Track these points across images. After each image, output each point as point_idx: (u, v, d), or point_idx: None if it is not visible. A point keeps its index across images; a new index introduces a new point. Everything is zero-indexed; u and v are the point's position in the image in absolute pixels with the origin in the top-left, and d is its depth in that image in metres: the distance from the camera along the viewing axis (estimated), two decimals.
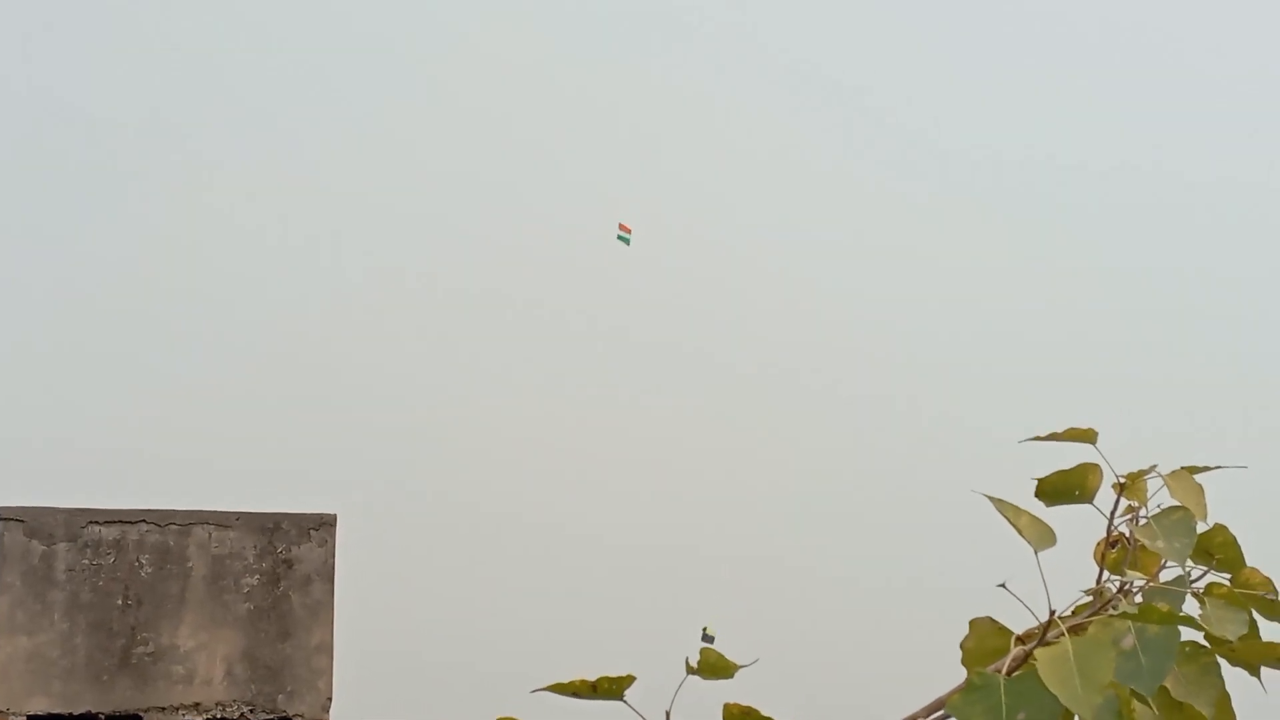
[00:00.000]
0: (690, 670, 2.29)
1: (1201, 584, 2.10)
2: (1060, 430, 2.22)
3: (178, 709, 14.51)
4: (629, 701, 2.29)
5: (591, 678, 2.30)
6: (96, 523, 14.89)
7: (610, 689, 2.27)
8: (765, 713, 2.27)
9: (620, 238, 18.31)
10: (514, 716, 2.16)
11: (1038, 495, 2.24)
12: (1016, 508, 2.08)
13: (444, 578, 35.24)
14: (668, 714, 2.26)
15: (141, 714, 14.46)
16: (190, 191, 38.79)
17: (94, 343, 38.09)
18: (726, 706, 2.27)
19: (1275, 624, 2.10)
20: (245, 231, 38.74)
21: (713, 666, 2.29)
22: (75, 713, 14.44)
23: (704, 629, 12.29)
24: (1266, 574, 2.17)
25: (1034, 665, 1.81)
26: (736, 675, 2.31)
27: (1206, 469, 2.17)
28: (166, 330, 38.13)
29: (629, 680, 2.28)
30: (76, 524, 14.87)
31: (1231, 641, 1.96)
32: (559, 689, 2.26)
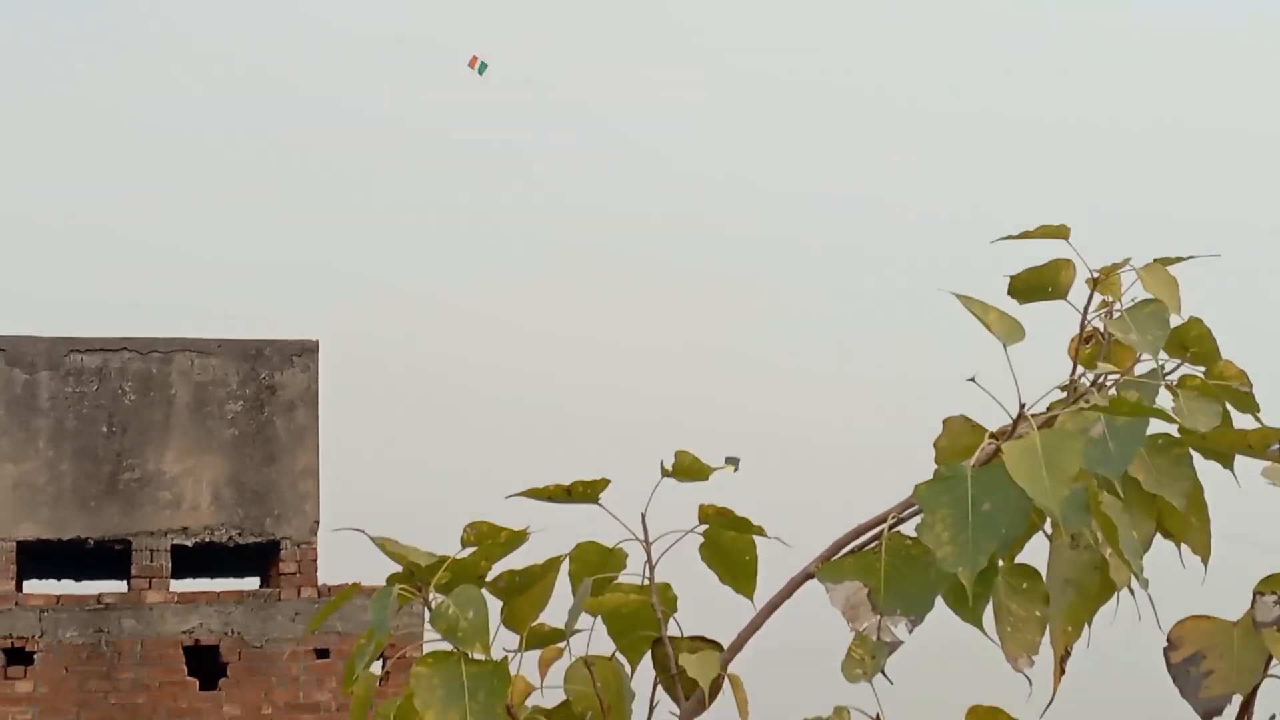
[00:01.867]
0: (665, 473, 2.29)
1: (1175, 377, 2.10)
2: (1032, 228, 2.19)
3: (165, 533, 14.63)
4: (605, 505, 2.30)
5: (567, 482, 2.30)
6: (78, 350, 14.88)
7: (585, 493, 2.27)
8: (740, 513, 2.27)
9: (481, 68, 18.19)
10: (488, 520, 2.16)
11: (1010, 293, 2.22)
12: (984, 303, 2.07)
13: (424, 393, 35.46)
14: (643, 516, 2.27)
15: (130, 539, 14.58)
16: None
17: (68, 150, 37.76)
18: (702, 507, 2.28)
19: (1248, 416, 2.10)
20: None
21: (687, 469, 2.29)
22: (64, 538, 14.55)
23: (728, 458, 12.42)
24: (1241, 366, 2.16)
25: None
26: (710, 478, 2.31)
27: (1180, 260, 2.15)
28: (147, 138, 37.82)
29: (604, 484, 2.28)
30: (58, 352, 14.86)
31: (1203, 433, 1.95)
32: (534, 494, 2.26)
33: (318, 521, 14.89)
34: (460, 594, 2.05)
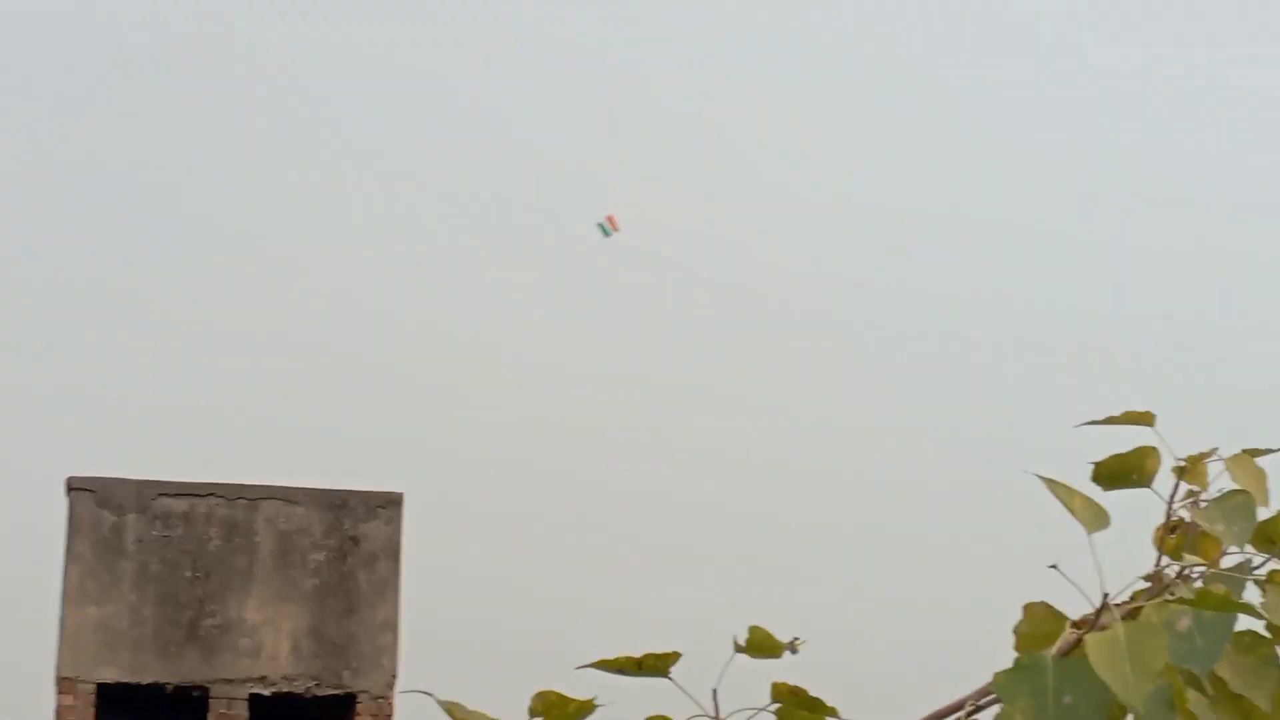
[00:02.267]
0: (738, 649, 2.27)
1: (1263, 571, 2.05)
2: (1117, 414, 2.17)
3: (244, 681, 14.62)
4: (675, 679, 2.27)
5: (637, 654, 2.27)
6: (166, 495, 15.01)
7: (656, 665, 2.25)
8: (814, 693, 2.24)
9: (604, 230, 18.35)
10: (555, 689, 2.14)
11: (1094, 479, 2.19)
12: (1070, 488, 2.04)
13: (503, 551, 35.48)
14: (714, 692, 2.24)
15: (208, 686, 14.58)
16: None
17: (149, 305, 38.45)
18: (775, 685, 2.24)
19: None
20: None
21: (759, 645, 2.26)
22: (143, 682, 14.57)
23: (794, 639, 12.33)
24: None
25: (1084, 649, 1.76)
26: (784, 655, 2.28)
27: (1270, 451, 2.12)
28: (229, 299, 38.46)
29: (675, 657, 2.25)
30: (147, 495, 14.99)
31: None
32: (605, 665, 2.24)
33: (395, 675, 14.83)
34: None
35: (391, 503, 15.33)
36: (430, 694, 2.21)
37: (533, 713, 2.15)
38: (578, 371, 38.67)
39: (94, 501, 14.84)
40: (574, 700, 2.17)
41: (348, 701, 14.79)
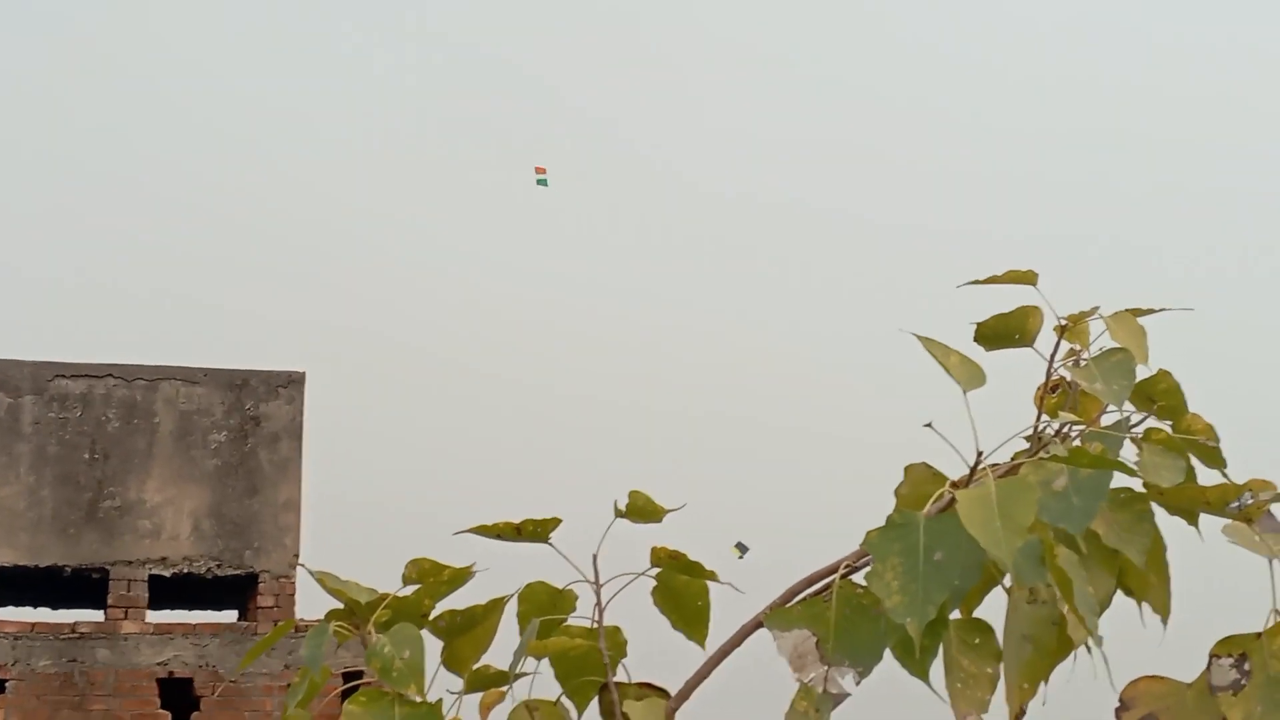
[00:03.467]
0: (618, 513, 2.24)
1: (1142, 429, 2.04)
2: (1000, 273, 2.14)
3: (144, 563, 14.52)
4: (555, 544, 2.23)
5: (517, 520, 2.24)
6: (63, 376, 14.81)
7: (535, 531, 2.21)
8: (692, 557, 2.22)
9: (540, 181, 18.20)
10: (430, 557, 2.10)
11: (977, 339, 2.17)
12: (946, 347, 2.01)
13: (400, 428, 35.47)
14: (594, 557, 2.21)
15: (108, 567, 14.47)
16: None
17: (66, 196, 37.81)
18: (654, 549, 2.22)
19: (1215, 472, 2.04)
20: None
21: (640, 510, 2.23)
22: (41, 565, 14.44)
23: (737, 544, 12.42)
24: (1209, 420, 2.11)
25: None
26: (665, 519, 2.25)
27: (1151, 311, 2.10)
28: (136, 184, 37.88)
29: (554, 523, 2.22)
30: (43, 377, 14.78)
31: (1163, 489, 1.90)
32: (483, 531, 2.20)
33: (297, 555, 14.78)
34: (397, 633, 1.99)
35: (293, 382, 15.21)
36: (303, 565, 2.17)
37: (406, 580, 2.12)
38: (480, 259, 38.50)
39: None
40: (449, 567, 2.13)
41: (249, 581, 14.74)
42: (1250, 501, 1.87)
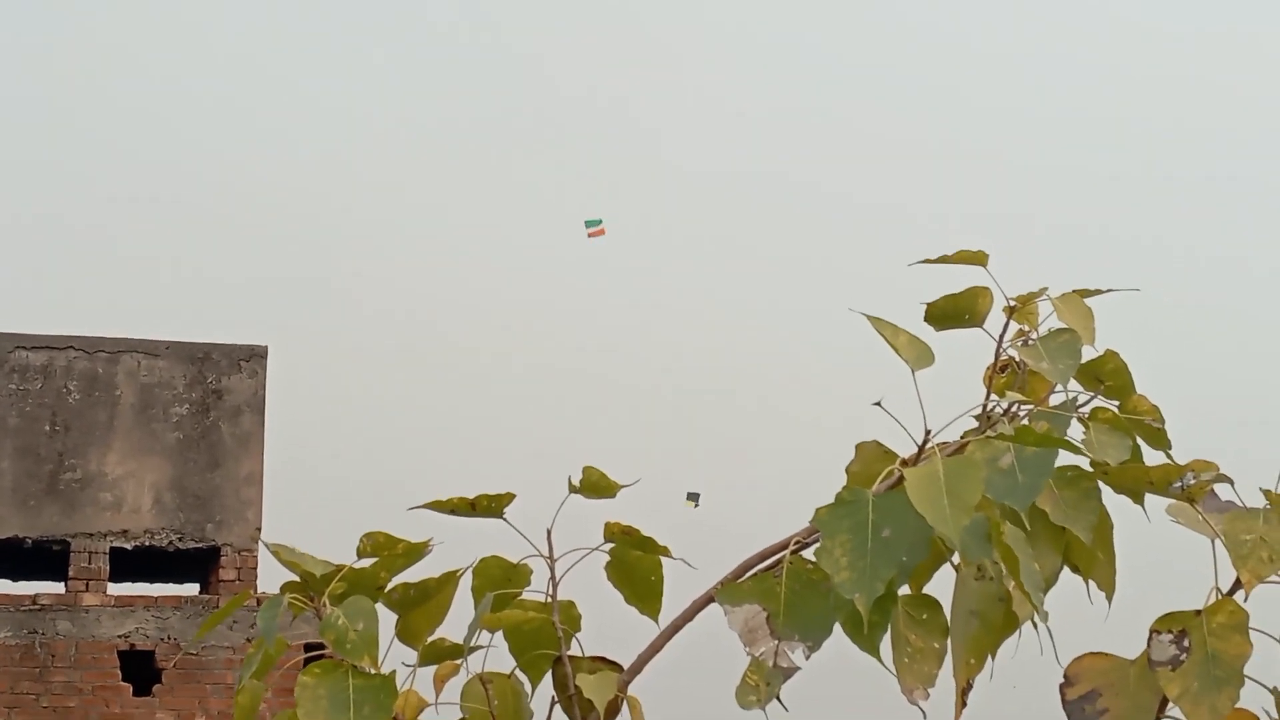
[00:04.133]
0: (572, 489, 2.25)
1: (1088, 410, 2.07)
2: (950, 253, 2.16)
3: (105, 535, 14.48)
4: (509, 519, 2.25)
5: (471, 495, 2.25)
6: (24, 347, 14.74)
7: (489, 506, 2.23)
8: (645, 533, 2.24)
9: (590, 226, 18.07)
10: (385, 530, 2.12)
11: (927, 319, 2.19)
12: (895, 326, 2.03)
13: (364, 400, 35.48)
14: (548, 532, 2.23)
15: (69, 539, 14.43)
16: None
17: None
18: (607, 525, 2.24)
19: (1160, 452, 2.07)
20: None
21: (594, 485, 2.25)
22: (1, 537, 14.40)
23: (689, 494, 12.46)
24: (1156, 402, 2.14)
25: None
26: (619, 495, 2.27)
27: (1098, 292, 2.12)
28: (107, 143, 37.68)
29: (509, 498, 2.23)
30: (3, 348, 14.71)
31: (1107, 468, 1.92)
32: (437, 506, 2.22)
33: (259, 529, 14.76)
34: (351, 605, 2.00)
35: (255, 355, 15.18)
36: (259, 538, 2.19)
37: (360, 554, 2.13)
38: (444, 231, 38.43)
39: None
40: (403, 541, 2.15)
41: (211, 555, 14.72)
42: (1193, 482, 1.90)
